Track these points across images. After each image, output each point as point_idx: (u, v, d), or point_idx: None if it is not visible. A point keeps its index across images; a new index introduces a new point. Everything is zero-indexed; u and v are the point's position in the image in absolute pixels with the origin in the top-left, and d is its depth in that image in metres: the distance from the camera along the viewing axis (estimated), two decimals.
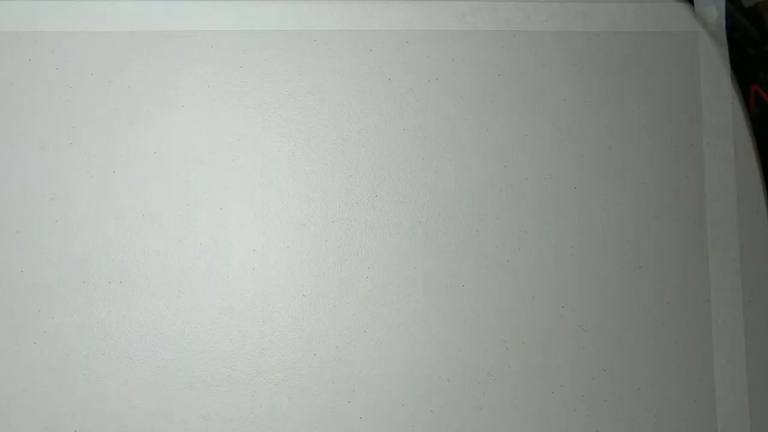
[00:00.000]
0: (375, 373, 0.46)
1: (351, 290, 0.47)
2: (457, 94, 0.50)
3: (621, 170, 0.50)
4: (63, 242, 0.46)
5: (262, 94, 0.49)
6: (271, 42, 0.49)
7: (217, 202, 0.47)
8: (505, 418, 0.44)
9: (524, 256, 0.48)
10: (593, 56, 0.52)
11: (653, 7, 0.53)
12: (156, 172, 0.47)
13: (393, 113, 0.49)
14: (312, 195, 0.48)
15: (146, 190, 0.47)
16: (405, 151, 0.49)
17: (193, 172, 0.48)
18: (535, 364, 0.47)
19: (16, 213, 0.46)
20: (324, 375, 0.46)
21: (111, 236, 0.46)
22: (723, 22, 0.53)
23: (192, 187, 0.47)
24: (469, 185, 0.49)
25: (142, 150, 0.48)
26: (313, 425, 0.45)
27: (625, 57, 0.52)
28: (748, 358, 0.49)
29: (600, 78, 0.52)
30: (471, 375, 0.46)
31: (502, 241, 0.48)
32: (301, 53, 0.50)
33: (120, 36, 0.49)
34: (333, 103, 0.49)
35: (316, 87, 0.49)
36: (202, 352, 0.45)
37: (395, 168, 0.49)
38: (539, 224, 0.49)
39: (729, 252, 0.50)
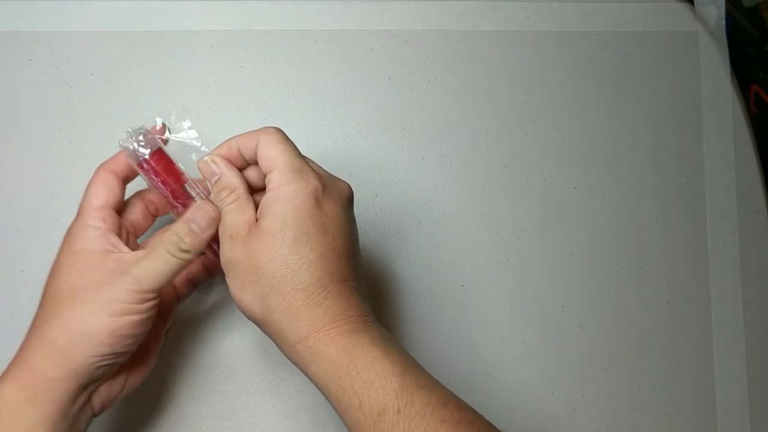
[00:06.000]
0: None
1: None
2: (457, 94, 0.50)
3: (621, 170, 0.50)
4: None
5: (262, 94, 0.49)
6: (271, 42, 0.49)
7: None
8: (505, 418, 0.43)
9: (524, 256, 0.48)
10: (593, 56, 0.52)
11: (653, 7, 0.53)
12: None
13: (393, 113, 0.49)
14: None
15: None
16: (405, 151, 0.49)
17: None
18: (535, 364, 0.47)
19: (16, 213, 0.46)
20: None
21: None
22: (723, 22, 0.53)
23: None
24: (469, 185, 0.49)
25: None
26: (314, 425, 0.45)
27: (625, 57, 0.52)
28: (748, 358, 0.49)
29: (600, 78, 0.52)
30: (471, 375, 0.46)
31: (502, 241, 0.48)
32: (301, 53, 0.50)
33: (120, 36, 0.49)
34: (333, 103, 0.49)
35: (316, 87, 0.49)
36: (202, 352, 0.45)
37: (395, 168, 0.49)
38: (539, 224, 0.49)
39: (729, 252, 0.50)
